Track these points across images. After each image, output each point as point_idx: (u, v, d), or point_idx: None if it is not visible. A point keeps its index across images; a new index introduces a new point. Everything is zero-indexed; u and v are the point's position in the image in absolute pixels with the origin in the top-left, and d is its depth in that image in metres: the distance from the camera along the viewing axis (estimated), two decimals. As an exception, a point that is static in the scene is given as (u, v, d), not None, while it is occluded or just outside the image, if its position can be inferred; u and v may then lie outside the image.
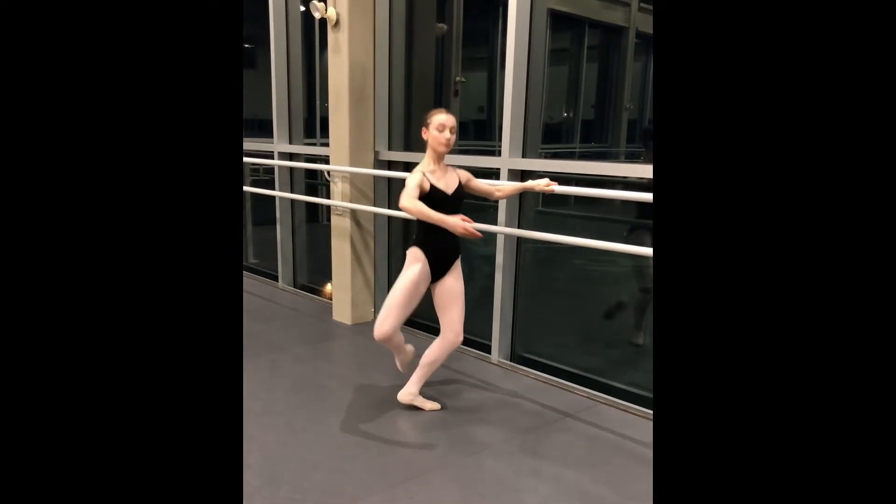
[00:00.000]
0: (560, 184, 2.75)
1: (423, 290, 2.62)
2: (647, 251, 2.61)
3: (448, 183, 2.57)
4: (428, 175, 2.52)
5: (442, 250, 2.61)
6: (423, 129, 2.56)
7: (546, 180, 2.69)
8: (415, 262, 2.58)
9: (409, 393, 2.79)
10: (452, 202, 2.56)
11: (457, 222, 2.33)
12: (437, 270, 2.62)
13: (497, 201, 3.21)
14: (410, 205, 2.34)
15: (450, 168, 2.64)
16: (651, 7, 3.56)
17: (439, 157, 2.56)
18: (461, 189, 2.61)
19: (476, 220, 3.24)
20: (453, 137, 2.53)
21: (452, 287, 2.66)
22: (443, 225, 2.34)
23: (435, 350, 2.72)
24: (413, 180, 2.45)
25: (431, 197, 2.49)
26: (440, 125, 2.50)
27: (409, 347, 2.84)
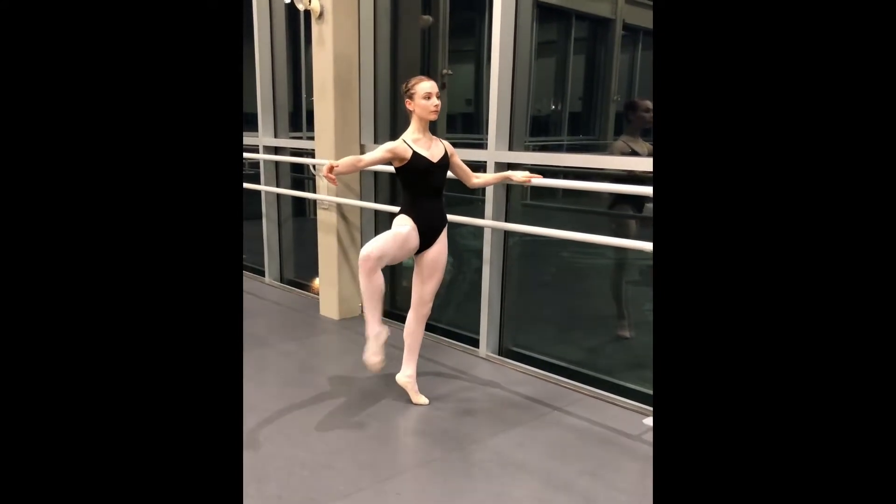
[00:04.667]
0: (547, 176, 2.73)
1: (411, 247, 2.57)
2: (633, 243, 2.61)
3: (434, 152, 2.57)
4: (411, 143, 2.52)
5: (429, 218, 2.60)
6: (407, 100, 2.54)
7: (526, 173, 2.68)
8: (404, 224, 2.56)
9: (406, 375, 2.80)
10: (438, 171, 2.58)
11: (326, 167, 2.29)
12: (425, 239, 2.61)
13: (483, 193, 3.20)
14: (342, 161, 2.37)
15: (436, 138, 2.63)
16: (637, -1, 3.56)
17: (425, 126, 2.55)
18: (446, 159, 2.61)
19: (463, 214, 3.24)
20: (440, 102, 2.52)
21: (438, 257, 2.67)
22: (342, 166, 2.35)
23: (412, 324, 2.76)
24: (385, 146, 2.48)
25: (415, 164, 2.51)
26: (427, 94, 2.49)
27: (385, 328, 2.58)
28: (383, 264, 2.51)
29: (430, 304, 2.75)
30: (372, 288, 2.48)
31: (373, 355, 2.56)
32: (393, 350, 3.32)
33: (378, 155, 2.46)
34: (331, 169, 2.25)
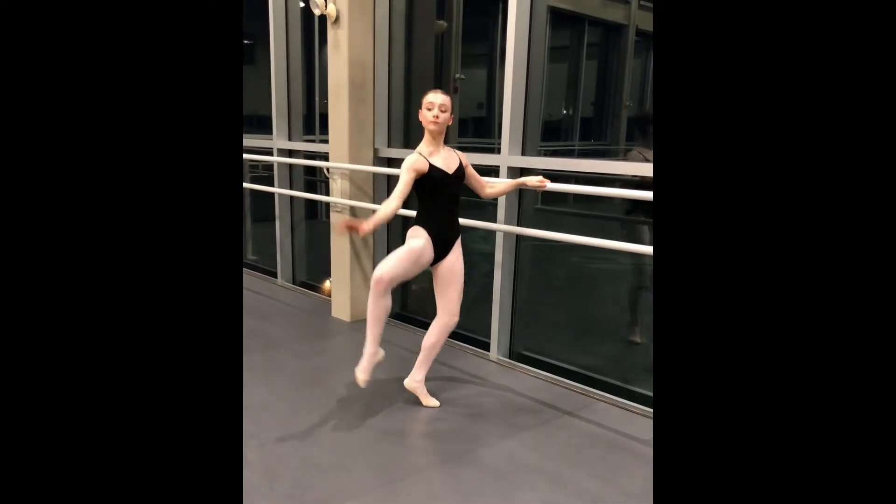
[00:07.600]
0: (559, 181, 2.75)
1: (425, 261, 2.61)
2: (645, 249, 2.62)
3: (448, 163, 2.60)
4: (426, 156, 2.56)
5: (443, 230, 2.63)
6: (420, 111, 2.59)
7: (539, 177, 2.70)
8: (419, 237, 2.59)
9: (415, 380, 2.82)
10: (453, 182, 2.61)
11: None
12: (439, 250, 2.64)
13: (496, 199, 3.21)
14: (383, 209, 2.46)
15: (450, 149, 2.66)
16: (651, 4, 3.56)
17: (434, 137, 2.57)
18: (462, 169, 2.65)
19: (475, 217, 3.25)
20: (443, 115, 2.53)
21: (453, 267, 2.69)
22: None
23: (434, 333, 2.76)
24: (406, 166, 2.51)
25: (431, 177, 2.54)
26: (428, 104, 2.54)
27: (382, 351, 2.66)
28: (395, 285, 2.56)
29: (457, 314, 2.74)
30: (379, 309, 2.56)
31: (362, 372, 2.63)
32: (407, 354, 3.34)
33: (404, 181, 2.49)
34: (366, 229, 2.35)
